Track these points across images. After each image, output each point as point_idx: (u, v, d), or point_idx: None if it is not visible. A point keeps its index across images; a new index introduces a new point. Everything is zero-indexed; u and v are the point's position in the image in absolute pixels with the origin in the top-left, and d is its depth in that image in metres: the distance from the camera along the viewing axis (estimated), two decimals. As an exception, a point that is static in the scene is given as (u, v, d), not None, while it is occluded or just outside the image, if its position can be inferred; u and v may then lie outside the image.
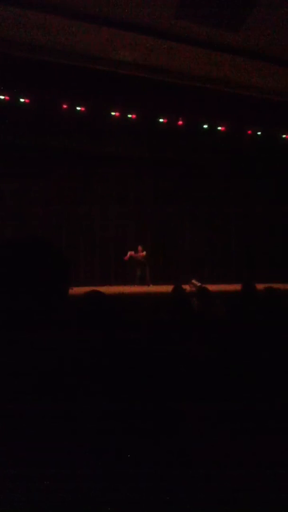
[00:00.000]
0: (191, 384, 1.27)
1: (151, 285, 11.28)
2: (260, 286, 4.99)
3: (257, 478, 1.01)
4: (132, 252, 11.52)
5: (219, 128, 11.99)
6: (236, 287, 7.46)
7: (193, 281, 10.16)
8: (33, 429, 1.02)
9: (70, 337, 1.26)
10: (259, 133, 12.36)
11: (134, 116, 11.24)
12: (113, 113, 11.04)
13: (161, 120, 11.51)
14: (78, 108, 10.69)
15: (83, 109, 10.73)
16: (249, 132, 12.33)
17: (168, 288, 6.39)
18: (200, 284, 9.98)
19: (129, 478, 0.97)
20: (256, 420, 1.15)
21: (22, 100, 10.12)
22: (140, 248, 11.58)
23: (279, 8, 7.91)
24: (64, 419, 1.06)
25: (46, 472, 0.97)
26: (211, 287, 6.71)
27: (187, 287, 8.75)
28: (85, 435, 1.05)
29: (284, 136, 12.62)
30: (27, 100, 10.16)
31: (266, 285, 4.25)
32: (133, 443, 1.05)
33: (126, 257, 11.47)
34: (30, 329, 1.15)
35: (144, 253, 11.55)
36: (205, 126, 11.89)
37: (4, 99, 10.03)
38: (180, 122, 11.66)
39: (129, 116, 11.21)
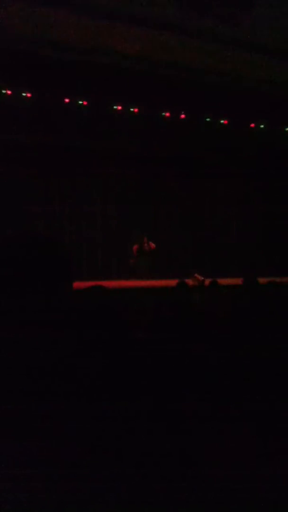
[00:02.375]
0: (192, 383, 1.27)
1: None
2: (261, 281, 4.98)
3: (257, 478, 1.01)
4: (137, 246, 11.48)
5: (222, 121, 11.94)
6: (238, 281, 7.44)
7: (196, 275, 10.14)
8: (33, 429, 1.02)
9: (72, 333, 1.26)
10: (262, 126, 12.31)
11: (136, 110, 11.20)
12: (115, 107, 11.00)
13: (163, 114, 11.47)
14: (80, 102, 10.65)
15: (85, 103, 10.70)
16: (252, 125, 12.28)
17: (170, 283, 6.38)
18: (203, 278, 9.96)
19: (129, 478, 0.97)
20: (257, 420, 1.15)
21: (23, 94, 10.10)
22: (145, 238, 11.52)
23: (280, 1, 7.86)
24: (64, 419, 1.05)
25: (46, 472, 0.97)
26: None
27: (189, 282, 8.73)
28: (85, 435, 1.05)
29: (287, 129, 12.55)
30: (28, 95, 10.13)
31: (268, 279, 4.25)
32: (133, 443, 1.05)
33: (135, 249, 11.44)
34: (33, 324, 1.15)
35: (154, 245, 11.49)
36: (208, 120, 11.85)
37: (5, 93, 10.00)
38: (183, 116, 11.62)
39: (131, 110, 11.16)
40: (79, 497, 0.93)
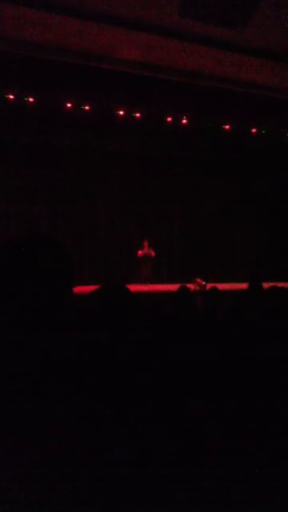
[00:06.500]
0: (193, 385, 1.27)
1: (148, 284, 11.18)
2: (264, 285, 4.98)
3: (258, 477, 1.01)
4: (142, 251, 11.44)
5: (224, 126, 11.98)
6: (240, 286, 7.40)
7: (198, 280, 10.15)
8: (34, 429, 1.02)
9: (73, 338, 1.26)
10: (263, 131, 12.34)
11: (138, 115, 11.24)
12: (117, 112, 11.05)
13: (165, 119, 11.51)
14: (83, 107, 10.71)
15: (87, 108, 10.75)
16: (254, 130, 12.31)
17: (172, 288, 6.39)
18: (204, 283, 9.97)
19: (129, 478, 0.97)
20: (257, 421, 1.15)
21: (26, 99, 10.15)
22: (146, 243, 11.47)
23: (283, 6, 7.88)
24: (64, 420, 1.05)
25: (46, 472, 0.97)
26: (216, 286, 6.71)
27: (191, 286, 8.74)
28: (85, 436, 1.05)
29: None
30: (31, 100, 10.18)
31: (270, 283, 4.24)
32: (134, 444, 1.05)
33: (140, 253, 11.39)
34: (32, 329, 1.15)
35: (153, 253, 11.45)
36: (210, 125, 11.88)
37: (8, 98, 10.05)
38: (185, 121, 11.66)
39: (134, 115, 11.21)
40: (79, 497, 0.93)
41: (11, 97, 10.05)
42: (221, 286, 7.46)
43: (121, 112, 11.06)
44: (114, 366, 1.20)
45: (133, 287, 10.21)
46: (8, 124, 10.39)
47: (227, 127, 12.00)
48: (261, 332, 2.58)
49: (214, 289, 6.54)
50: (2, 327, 1.14)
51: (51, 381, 1.09)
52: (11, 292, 1.14)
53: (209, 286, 8.09)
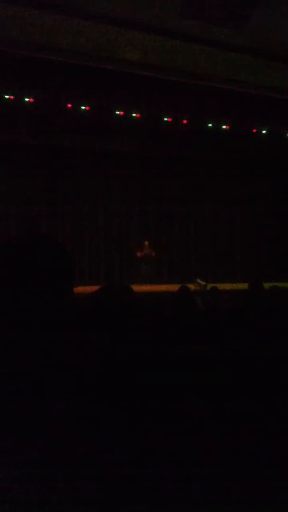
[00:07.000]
0: (193, 385, 1.27)
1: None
2: (264, 285, 4.98)
3: (258, 477, 1.01)
4: (141, 252, 11.46)
5: (224, 127, 11.96)
6: (240, 286, 7.40)
7: (198, 280, 10.15)
8: (33, 429, 1.02)
9: (73, 338, 1.26)
10: (264, 131, 12.32)
11: (138, 115, 11.23)
12: (117, 112, 11.03)
13: (165, 119, 11.49)
14: (83, 107, 10.70)
15: (87, 108, 10.74)
16: (254, 130, 12.29)
17: (172, 288, 6.39)
18: (205, 283, 9.98)
19: (129, 478, 0.97)
20: (257, 421, 1.15)
21: (26, 99, 10.14)
22: (146, 243, 11.48)
23: (283, 6, 7.88)
24: (64, 420, 1.05)
25: (46, 472, 0.97)
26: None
27: (191, 286, 8.74)
28: (85, 436, 1.05)
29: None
30: (31, 100, 10.18)
31: (270, 283, 4.24)
32: (134, 444, 1.05)
33: (138, 255, 11.43)
34: (32, 329, 1.15)
35: (153, 253, 11.49)
36: (210, 125, 11.86)
37: (8, 98, 10.04)
38: (185, 121, 11.64)
39: (134, 115, 11.20)
40: (79, 497, 0.93)
41: (11, 97, 10.05)
42: (221, 286, 7.47)
43: (121, 112, 11.04)
44: (114, 366, 1.20)
45: (133, 287, 10.19)
46: (8, 124, 10.39)
47: (227, 127, 11.98)
48: (261, 332, 2.58)
49: (214, 289, 6.56)
50: (2, 327, 1.14)
51: (51, 381, 1.09)
52: (11, 292, 1.14)
53: (209, 286, 8.10)
